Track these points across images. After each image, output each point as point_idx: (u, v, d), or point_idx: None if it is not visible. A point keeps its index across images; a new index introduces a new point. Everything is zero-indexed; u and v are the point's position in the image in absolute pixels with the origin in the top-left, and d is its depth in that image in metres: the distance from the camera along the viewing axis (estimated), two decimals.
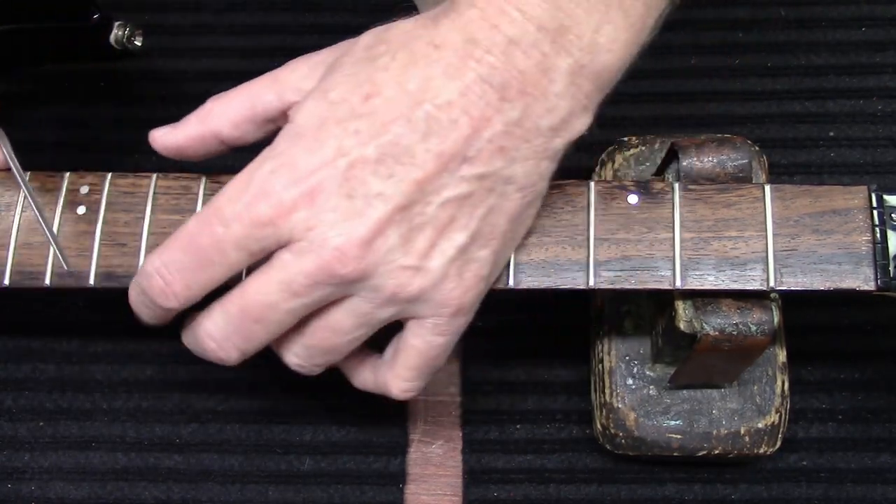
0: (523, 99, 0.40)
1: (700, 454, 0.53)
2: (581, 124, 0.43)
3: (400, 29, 0.43)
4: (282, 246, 0.41)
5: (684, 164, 0.48)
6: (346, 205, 0.40)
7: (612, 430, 0.54)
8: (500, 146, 0.41)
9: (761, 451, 0.53)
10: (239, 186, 0.42)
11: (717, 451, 0.53)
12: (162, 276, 0.43)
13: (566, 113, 0.42)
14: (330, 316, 0.43)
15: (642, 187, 0.47)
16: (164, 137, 0.48)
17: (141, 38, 0.60)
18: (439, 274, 0.42)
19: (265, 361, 0.59)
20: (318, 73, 0.44)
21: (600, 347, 0.55)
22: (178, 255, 0.42)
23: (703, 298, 0.46)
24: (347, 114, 0.41)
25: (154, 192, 0.49)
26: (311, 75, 0.45)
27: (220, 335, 0.44)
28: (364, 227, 0.40)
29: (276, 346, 0.46)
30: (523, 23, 0.40)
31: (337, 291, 0.42)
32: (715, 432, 0.53)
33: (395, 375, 0.46)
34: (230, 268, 0.42)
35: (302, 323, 0.44)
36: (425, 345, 0.44)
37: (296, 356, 0.46)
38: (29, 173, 0.50)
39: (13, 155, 0.48)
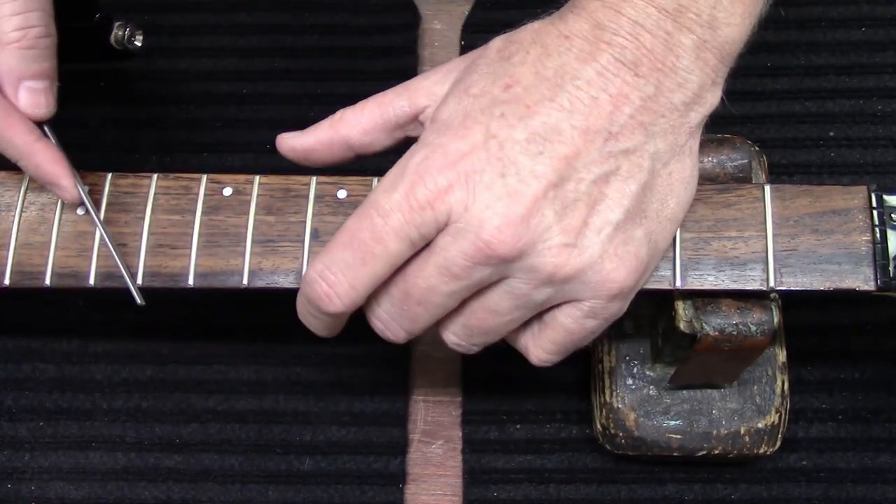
0: (655, 75, 0.42)
1: (700, 454, 0.53)
2: (712, 98, 0.44)
3: (528, 29, 0.44)
4: (440, 231, 0.42)
5: None
6: (501, 183, 0.41)
7: (612, 430, 0.54)
8: (640, 121, 0.42)
9: (761, 451, 0.53)
10: (393, 178, 0.42)
11: (717, 451, 0.53)
12: (325, 279, 0.43)
13: (696, 87, 0.43)
14: (488, 298, 0.43)
15: None
16: (294, 140, 0.48)
17: (141, 38, 0.60)
18: (597, 252, 0.42)
19: (265, 361, 0.60)
20: (449, 79, 0.46)
21: (600, 347, 0.55)
22: (339, 254, 0.42)
23: (703, 298, 0.46)
24: (490, 102, 0.42)
25: (154, 193, 0.49)
26: (442, 81, 0.46)
27: (385, 317, 0.45)
28: (520, 205, 0.40)
29: (436, 326, 0.46)
30: (644, 6, 0.42)
31: (495, 273, 0.42)
32: (715, 432, 0.53)
33: (537, 345, 0.46)
34: (392, 261, 0.42)
35: (462, 304, 0.44)
36: (576, 326, 0.44)
37: (455, 336, 0.46)
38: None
39: (86, 191, 0.48)
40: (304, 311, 0.45)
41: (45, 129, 0.48)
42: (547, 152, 0.41)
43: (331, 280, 0.42)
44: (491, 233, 0.40)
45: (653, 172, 0.43)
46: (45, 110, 0.48)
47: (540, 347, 0.46)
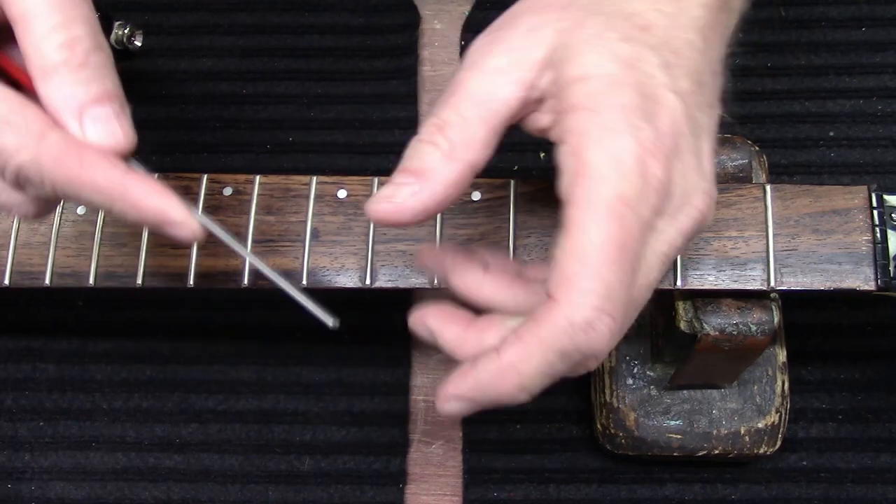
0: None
1: (700, 454, 0.53)
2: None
3: None
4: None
5: None
6: (697, 146, 0.38)
7: (612, 430, 0.54)
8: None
9: (761, 451, 0.53)
10: (620, 166, 0.36)
11: (717, 451, 0.53)
12: (609, 314, 0.35)
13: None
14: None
15: None
16: (415, 204, 0.38)
17: (141, 38, 0.60)
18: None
19: (265, 361, 0.60)
20: (539, 43, 0.38)
21: None
22: (615, 275, 0.35)
23: (704, 298, 0.46)
24: (647, 52, 0.38)
25: None
26: (531, 47, 0.38)
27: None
28: (709, 164, 0.39)
29: None
30: None
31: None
32: (715, 432, 0.53)
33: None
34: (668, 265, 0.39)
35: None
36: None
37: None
38: None
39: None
40: (551, 368, 0.37)
41: (132, 162, 0.39)
42: (708, 101, 0.40)
43: (614, 314, 0.35)
44: (704, 200, 0.38)
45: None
46: (122, 139, 0.38)
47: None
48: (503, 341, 0.38)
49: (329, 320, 0.40)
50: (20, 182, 0.38)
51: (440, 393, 0.39)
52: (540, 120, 0.39)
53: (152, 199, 0.38)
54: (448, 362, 0.60)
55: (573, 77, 0.37)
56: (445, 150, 0.38)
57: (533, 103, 0.39)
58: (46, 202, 0.41)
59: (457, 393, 0.39)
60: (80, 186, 0.37)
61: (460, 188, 0.38)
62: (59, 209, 0.49)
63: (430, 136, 0.38)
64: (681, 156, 0.37)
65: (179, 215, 0.38)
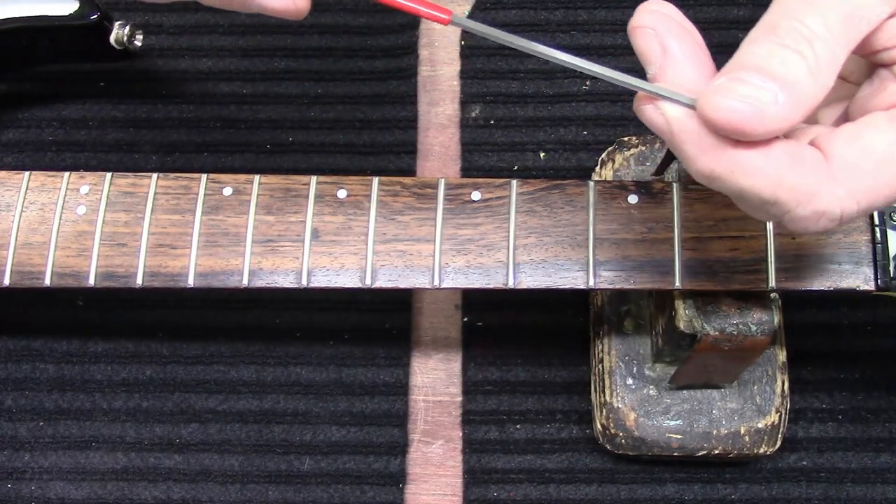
0: None
1: (700, 454, 0.53)
2: None
3: None
4: None
5: None
6: None
7: (612, 430, 0.54)
8: None
9: (761, 451, 0.53)
10: None
11: (717, 451, 0.53)
12: None
13: None
14: None
15: (642, 187, 0.47)
16: (775, 110, 0.32)
17: (141, 38, 0.60)
18: None
19: (265, 361, 0.60)
20: None
21: (600, 347, 0.55)
22: None
23: (703, 298, 0.46)
24: None
25: (154, 193, 0.49)
26: None
27: None
28: None
29: None
30: None
31: None
32: (715, 432, 0.53)
33: None
34: None
35: None
36: None
37: None
38: (29, 173, 0.50)
39: None
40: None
41: None
42: None
43: None
44: None
45: None
46: None
47: None
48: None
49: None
50: None
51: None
52: (886, 40, 0.34)
53: None
54: (448, 363, 0.61)
55: None
56: (812, 66, 0.32)
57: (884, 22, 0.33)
58: None
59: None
60: None
61: (809, 116, 0.33)
62: (59, 209, 0.49)
63: (796, 44, 0.32)
64: None
65: None
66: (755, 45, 0.32)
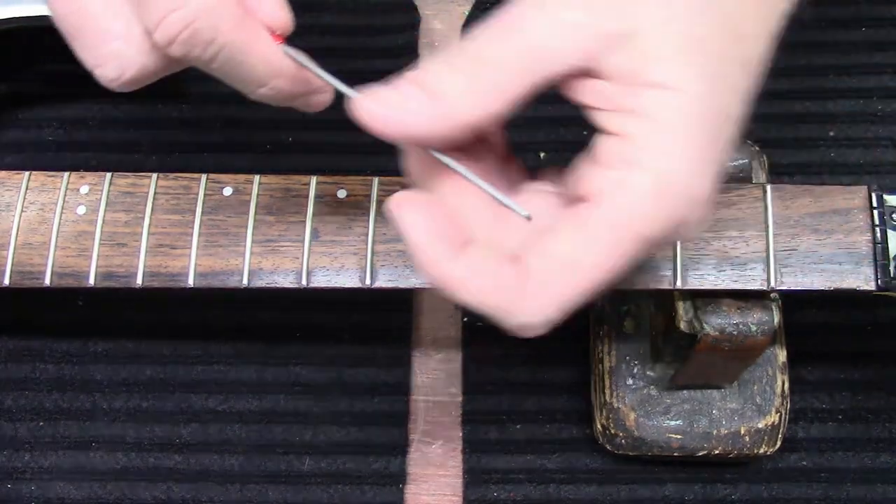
0: None
1: (700, 454, 0.53)
2: None
3: None
4: None
5: None
6: None
7: (612, 430, 0.54)
8: None
9: (761, 451, 0.53)
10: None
11: (717, 451, 0.53)
12: None
13: None
14: None
15: None
16: (412, 118, 0.34)
17: None
18: None
19: (265, 361, 0.60)
20: (623, 12, 0.33)
21: (600, 347, 0.55)
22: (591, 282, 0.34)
23: (704, 298, 0.46)
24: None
25: (154, 193, 0.49)
26: (609, 12, 0.33)
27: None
28: None
29: None
30: None
31: None
32: (715, 432, 0.53)
33: None
34: None
35: None
36: None
37: None
38: (29, 173, 0.50)
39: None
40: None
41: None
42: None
43: None
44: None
45: None
46: (286, 14, 0.38)
47: None
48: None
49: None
50: (177, 38, 0.34)
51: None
52: (577, 92, 0.35)
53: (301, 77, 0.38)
54: (448, 363, 0.61)
55: (653, 79, 0.33)
56: (473, 85, 0.33)
57: (582, 75, 0.34)
58: (169, 64, 0.36)
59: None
60: (248, 54, 0.36)
61: (468, 134, 0.34)
62: (59, 209, 0.49)
63: (458, 63, 0.33)
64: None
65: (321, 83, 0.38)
66: (428, 62, 0.34)
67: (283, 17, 0.37)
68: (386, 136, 0.33)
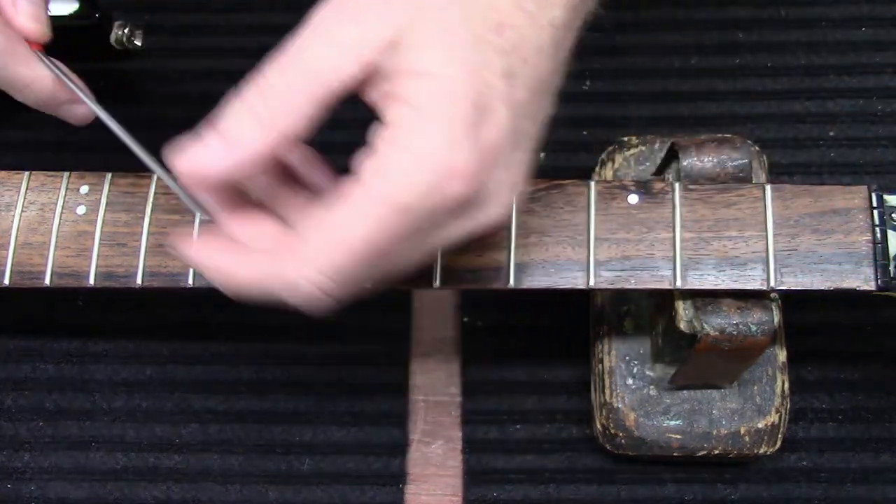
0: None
1: (700, 454, 0.53)
2: None
3: None
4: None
5: (684, 163, 0.48)
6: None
7: (612, 430, 0.54)
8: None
9: (761, 451, 0.53)
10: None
11: (717, 451, 0.53)
12: (323, 292, 0.39)
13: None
14: None
15: (642, 187, 0.47)
16: (212, 168, 0.39)
17: (141, 38, 0.60)
18: None
19: (265, 361, 0.60)
20: (390, 21, 0.37)
21: (600, 347, 0.55)
22: (348, 267, 0.38)
23: (704, 298, 0.46)
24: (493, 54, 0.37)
25: (154, 193, 0.49)
26: (380, 24, 0.37)
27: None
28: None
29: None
30: None
31: None
32: (715, 432, 0.53)
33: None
34: None
35: None
36: None
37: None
38: (29, 173, 0.50)
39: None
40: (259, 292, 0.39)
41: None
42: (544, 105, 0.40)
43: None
44: (497, 211, 0.39)
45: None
46: (41, 26, 0.46)
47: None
48: None
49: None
50: None
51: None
52: (368, 94, 0.38)
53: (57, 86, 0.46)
54: (448, 363, 0.61)
55: (411, 69, 0.36)
56: (263, 119, 0.37)
57: (368, 80, 0.38)
58: None
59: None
60: (9, 57, 0.44)
61: (271, 158, 0.38)
62: (59, 209, 0.49)
63: (250, 100, 0.37)
64: (493, 171, 0.37)
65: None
66: (228, 106, 0.38)
67: (37, 28, 0.45)
68: (200, 186, 0.39)
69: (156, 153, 0.64)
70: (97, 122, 0.65)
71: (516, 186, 0.39)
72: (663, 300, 0.50)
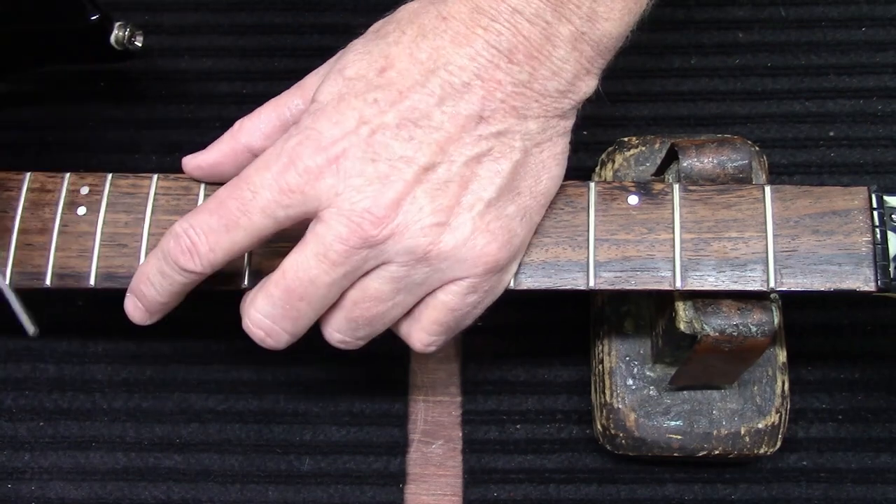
0: (530, 62, 0.42)
1: (700, 454, 0.53)
2: (586, 87, 0.45)
3: (408, 9, 0.45)
4: (309, 216, 0.42)
5: (684, 164, 0.48)
6: (371, 169, 0.42)
7: (613, 431, 0.54)
8: (512, 105, 0.43)
9: (761, 451, 0.53)
10: (268, 157, 0.43)
11: (717, 452, 0.53)
12: (189, 236, 0.43)
13: (571, 76, 0.44)
14: (369, 285, 0.44)
15: (642, 188, 0.47)
16: (196, 159, 0.49)
17: (141, 38, 0.60)
18: (468, 229, 0.43)
19: (265, 361, 0.60)
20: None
21: (600, 348, 0.55)
22: (205, 217, 0.43)
23: (704, 299, 0.46)
24: (365, 87, 0.43)
25: (154, 193, 0.49)
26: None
27: (268, 323, 0.45)
28: (391, 189, 0.41)
29: (320, 325, 0.46)
30: None
31: (372, 257, 0.42)
32: (715, 432, 0.53)
33: (420, 328, 0.46)
34: (255, 234, 0.43)
35: (342, 297, 0.44)
36: (458, 301, 0.44)
37: (339, 332, 0.46)
38: (29, 173, 0.50)
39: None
40: (153, 269, 0.45)
41: None
42: (417, 138, 0.42)
43: (194, 239, 0.43)
44: (362, 216, 0.41)
45: (525, 151, 0.44)
46: None
47: (423, 330, 0.46)
48: None
49: (30, 329, 0.49)
50: None
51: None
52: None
53: None
54: (448, 363, 0.61)
55: (314, 98, 0.44)
56: (233, 132, 0.49)
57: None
58: None
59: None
60: None
61: (232, 161, 0.49)
62: (59, 209, 0.49)
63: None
64: (327, 176, 0.42)
65: None
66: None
67: None
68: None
69: (157, 153, 0.65)
70: (97, 123, 0.65)
71: (364, 189, 0.42)
72: (663, 301, 0.50)
